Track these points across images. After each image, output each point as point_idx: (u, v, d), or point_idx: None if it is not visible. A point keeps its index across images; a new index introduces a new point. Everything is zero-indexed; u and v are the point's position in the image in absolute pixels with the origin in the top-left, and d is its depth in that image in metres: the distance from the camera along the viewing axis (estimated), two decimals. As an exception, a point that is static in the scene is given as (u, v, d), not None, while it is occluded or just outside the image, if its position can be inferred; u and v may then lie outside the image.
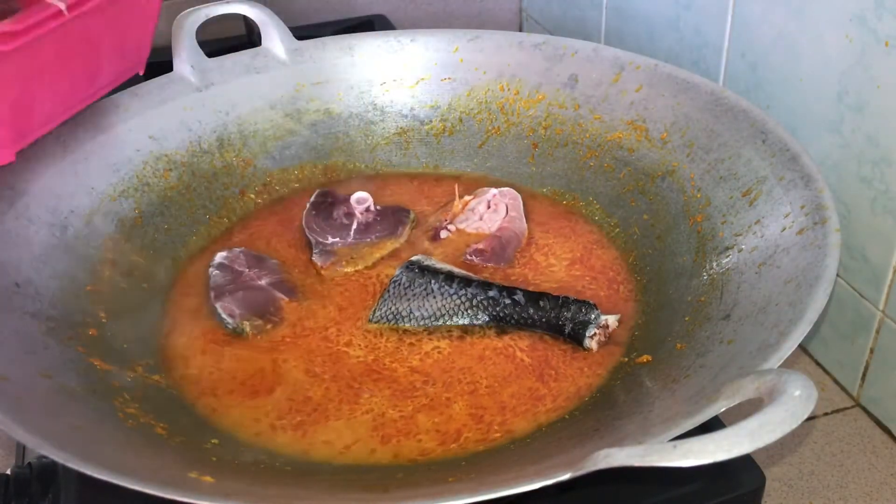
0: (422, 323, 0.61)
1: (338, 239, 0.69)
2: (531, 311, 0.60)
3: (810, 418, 0.68)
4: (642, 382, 0.54)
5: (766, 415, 0.35)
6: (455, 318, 0.61)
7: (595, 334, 0.59)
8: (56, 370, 0.52)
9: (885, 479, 0.64)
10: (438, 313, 0.61)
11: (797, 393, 0.36)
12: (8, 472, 0.54)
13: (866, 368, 0.68)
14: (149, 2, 0.61)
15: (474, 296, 0.61)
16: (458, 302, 0.61)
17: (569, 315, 0.59)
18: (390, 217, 0.71)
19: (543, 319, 0.59)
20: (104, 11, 0.56)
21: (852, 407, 0.70)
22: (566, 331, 0.59)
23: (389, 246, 0.69)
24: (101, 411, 0.50)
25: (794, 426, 0.35)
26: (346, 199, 0.71)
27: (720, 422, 0.49)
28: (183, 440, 0.51)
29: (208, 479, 0.44)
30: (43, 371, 0.51)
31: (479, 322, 0.60)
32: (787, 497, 0.63)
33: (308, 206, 0.72)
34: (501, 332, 0.60)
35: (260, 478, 0.49)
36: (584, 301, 0.60)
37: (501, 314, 0.60)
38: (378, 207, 0.72)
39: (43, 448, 0.42)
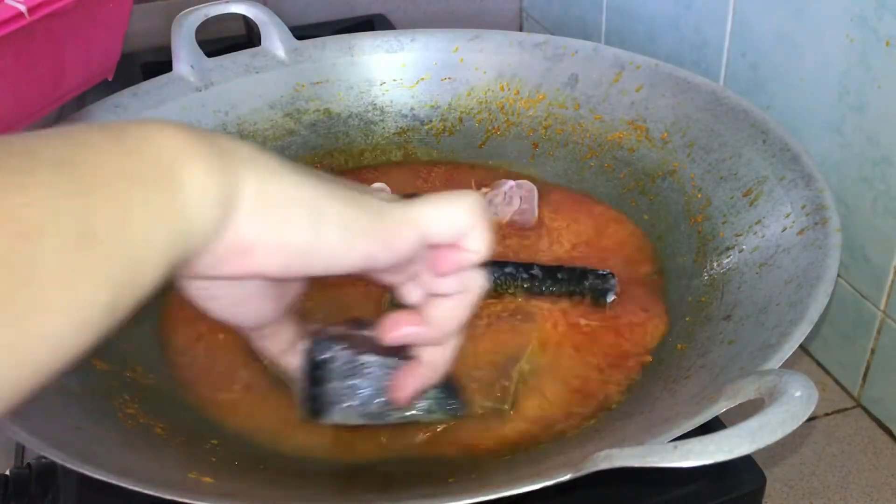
0: None
1: None
2: (549, 283, 0.61)
3: (811, 419, 0.68)
4: (642, 383, 0.54)
5: (767, 415, 0.35)
6: None
7: (614, 298, 0.60)
8: (56, 370, 0.52)
9: (887, 480, 0.63)
10: None
11: (798, 393, 0.36)
12: (7, 472, 0.54)
13: (867, 369, 0.68)
14: (118, 7, 0.59)
15: (490, 273, 0.61)
16: None
17: (588, 284, 0.60)
18: None
19: (562, 290, 0.61)
20: (69, 15, 0.54)
21: (853, 407, 0.70)
22: (585, 298, 0.61)
23: None
24: (101, 411, 0.50)
25: (794, 427, 0.35)
26: None
27: (721, 422, 0.49)
28: (183, 440, 0.51)
29: (208, 479, 0.44)
30: (42, 371, 0.51)
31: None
32: (788, 498, 0.62)
33: None
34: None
35: (260, 478, 0.49)
36: (602, 272, 0.61)
37: (519, 289, 0.61)
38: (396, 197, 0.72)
39: (43, 448, 0.42)
